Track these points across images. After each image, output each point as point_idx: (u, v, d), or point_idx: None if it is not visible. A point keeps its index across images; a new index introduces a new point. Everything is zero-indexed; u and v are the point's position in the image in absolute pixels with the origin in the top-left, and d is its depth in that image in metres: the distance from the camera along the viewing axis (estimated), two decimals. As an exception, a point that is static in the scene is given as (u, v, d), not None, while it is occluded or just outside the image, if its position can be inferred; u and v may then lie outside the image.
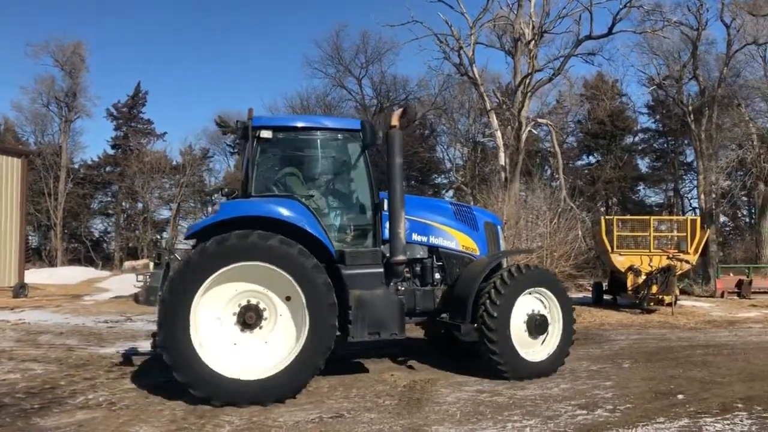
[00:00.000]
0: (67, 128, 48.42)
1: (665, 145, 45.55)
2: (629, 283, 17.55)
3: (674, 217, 25.07)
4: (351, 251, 7.81)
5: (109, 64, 71.11)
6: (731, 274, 23.85)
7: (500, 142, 29.57)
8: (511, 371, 8.01)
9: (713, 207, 31.53)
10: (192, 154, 49.30)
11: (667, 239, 20.25)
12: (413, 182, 43.24)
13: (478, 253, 9.06)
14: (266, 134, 7.79)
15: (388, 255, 7.84)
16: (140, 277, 27.53)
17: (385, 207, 7.98)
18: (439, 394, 7.23)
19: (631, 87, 43.63)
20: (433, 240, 8.77)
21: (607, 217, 21.92)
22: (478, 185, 26.73)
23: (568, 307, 8.55)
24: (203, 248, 6.85)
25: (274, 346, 7.07)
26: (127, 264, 39.46)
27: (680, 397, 7.17)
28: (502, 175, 28.98)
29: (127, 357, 9.42)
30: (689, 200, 44.36)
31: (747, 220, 46.26)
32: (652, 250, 18.20)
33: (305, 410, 6.57)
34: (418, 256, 8.54)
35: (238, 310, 7.06)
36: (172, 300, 6.75)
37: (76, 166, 50.96)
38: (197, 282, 6.79)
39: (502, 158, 29.40)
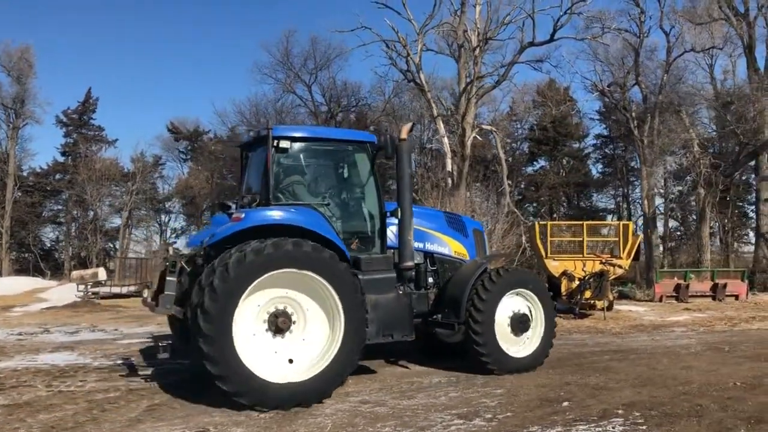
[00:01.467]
0: (15, 135, 47.16)
1: (614, 150, 46.22)
2: (563, 288, 17.59)
3: (607, 222, 25.34)
4: (366, 258, 8.24)
5: (59, 69, 69.65)
6: (676, 278, 24.06)
7: (447, 148, 29.64)
8: (497, 366, 8.65)
9: (655, 212, 31.98)
10: (144, 161, 48.46)
11: (601, 244, 20.40)
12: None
13: (467, 258, 9.64)
14: (285, 144, 8.04)
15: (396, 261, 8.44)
16: (81, 287, 26.97)
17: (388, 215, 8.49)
18: (320, 406, 7.04)
19: (578, 94, 44.55)
20: (429, 246, 9.29)
21: (541, 222, 22.04)
22: (429, 191, 26.63)
23: (549, 307, 9.27)
24: (241, 257, 6.93)
25: (309, 348, 7.34)
26: (75, 273, 38.58)
27: (565, 404, 7.11)
28: (449, 181, 29.05)
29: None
30: (639, 205, 45.03)
31: (696, 225, 47.08)
32: (585, 255, 18.29)
33: (172, 424, 6.33)
34: (415, 262, 8.80)
35: (268, 316, 7.23)
36: (217, 309, 6.78)
37: (25, 174, 49.72)
38: (240, 290, 6.92)
39: (449, 164, 29.47)
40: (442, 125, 29.73)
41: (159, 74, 77.33)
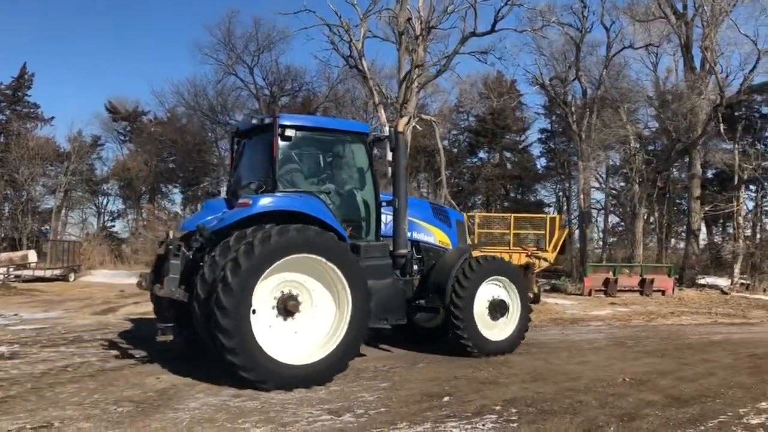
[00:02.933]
0: (-58, 112, 45.11)
1: (557, 145, 46.63)
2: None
3: (535, 215, 25.53)
4: (365, 245, 8.55)
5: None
6: (610, 273, 24.24)
7: (388, 137, 29.28)
8: (476, 349, 9.21)
9: (590, 206, 32.35)
10: (81, 140, 46.76)
11: (531, 236, 20.47)
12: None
13: (450, 246, 10.08)
14: (290, 132, 8.26)
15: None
16: (2, 270, 25.85)
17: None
18: (187, 399, 6.68)
19: (525, 88, 45.16)
20: (416, 235, 9.62)
21: (469, 213, 22.00)
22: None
23: (524, 294, 9.94)
24: (265, 238, 7.12)
25: (317, 331, 7.65)
26: (3, 255, 37.12)
27: (446, 399, 6.92)
28: (389, 170, 28.74)
29: None
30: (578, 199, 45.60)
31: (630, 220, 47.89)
32: (511, 248, 18.28)
33: (16, 418, 5.88)
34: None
35: (276, 301, 7.46)
36: (238, 288, 6.95)
37: (-46, 152, 47.56)
38: (260, 271, 7.14)
39: (389, 153, 29.12)
40: (383, 113, 29.38)
41: (98, 51, 74.61)
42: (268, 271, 7.18)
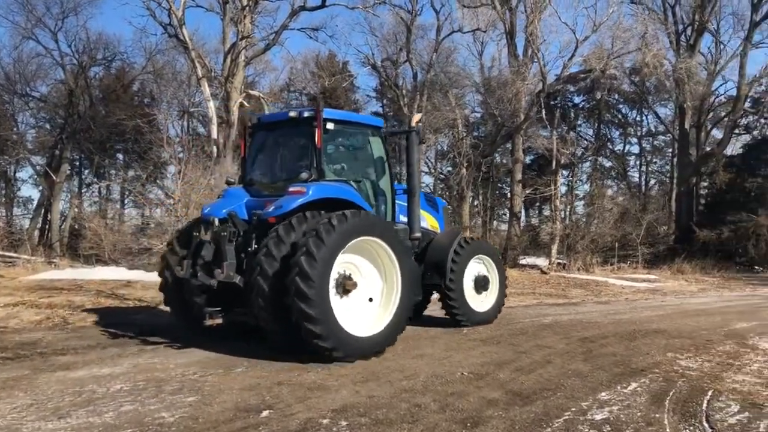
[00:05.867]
0: None
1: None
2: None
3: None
4: (396, 228, 9.31)
5: None
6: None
7: (213, 113, 27.38)
8: (466, 319, 10.72)
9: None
10: None
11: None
12: (131, 159, 39.08)
13: (438, 230, 11.13)
14: (330, 126, 8.82)
15: None
16: None
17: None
18: None
19: (357, 69, 44.82)
20: None
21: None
22: (194, 159, 24.28)
23: (502, 271, 11.46)
24: (338, 222, 7.77)
25: (374, 305, 8.52)
26: None
27: (266, 413, 5.79)
28: (215, 149, 26.90)
29: None
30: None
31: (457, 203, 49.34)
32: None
33: None
34: None
35: (335, 281, 8.01)
36: (318, 276, 7.53)
37: None
38: (339, 248, 7.81)
39: (215, 131, 27.28)
40: (207, 88, 27.34)
41: None
42: (343, 249, 7.89)
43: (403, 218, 10.01)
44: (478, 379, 7.23)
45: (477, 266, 10.98)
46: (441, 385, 6.92)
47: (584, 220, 34.20)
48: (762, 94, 35.93)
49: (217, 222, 8.55)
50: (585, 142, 46.34)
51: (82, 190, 42.18)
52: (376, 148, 9.64)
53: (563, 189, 38.28)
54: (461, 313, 10.57)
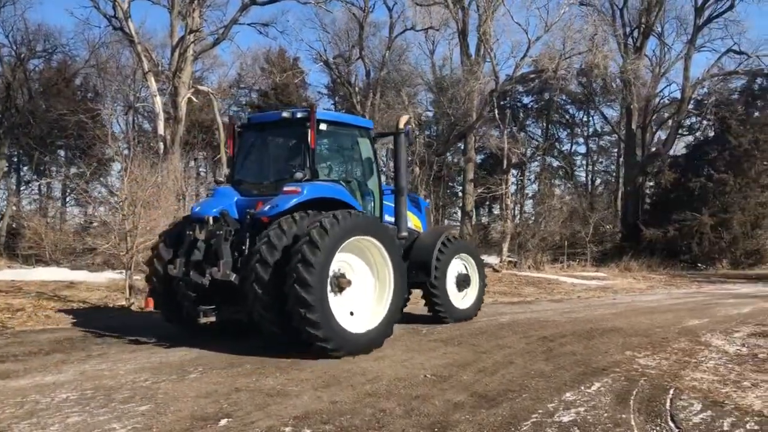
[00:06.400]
0: None
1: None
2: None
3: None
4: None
5: None
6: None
7: (160, 109, 26.59)
8: (448, 315, 11.09)
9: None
10: None
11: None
12: (73, 155, 37.63)
13: (421, 230, 11.35)
14: (323, 126, 8.99)
15: None
16: None
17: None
18: None
19: (308, 65, 44.26)
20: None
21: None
22: (140, 156, 23.43)
23: (482, 269, 11.92)
24: (331, 225, 7.86)
25: (367, 302, 8.70)
26: None
27: (224, 422, 5.50)
28: (161, 146, 26.12)
29: None
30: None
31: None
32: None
33: None
34: None
35: (329, 279, 8.05)
36: (319, 265, 7.70)
37: None
38: (333, 250, 7.95)
39: (161, 127, 26.50)
40: (154, 83, 26.52)
41: None
42: (338, 249, 8.07)
43: (389, 218, 10.20)
44: (442, 381, 7.07)
45: (458, 264, 11.37)
46: (405, 388, 6.74)
47: (534, 218, 34.59)
48: (705, 96, 36.95)
49: (211, 221, 8.60)
50: (534, 142, 46.99)
51: (21, 188, 40.55)
52: (365, 148, 9.80)
53: (513, 188, 38.63)
54: (444, 310, 10.96)
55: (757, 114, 35.54)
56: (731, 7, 33.55)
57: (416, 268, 10.47)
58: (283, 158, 9.64)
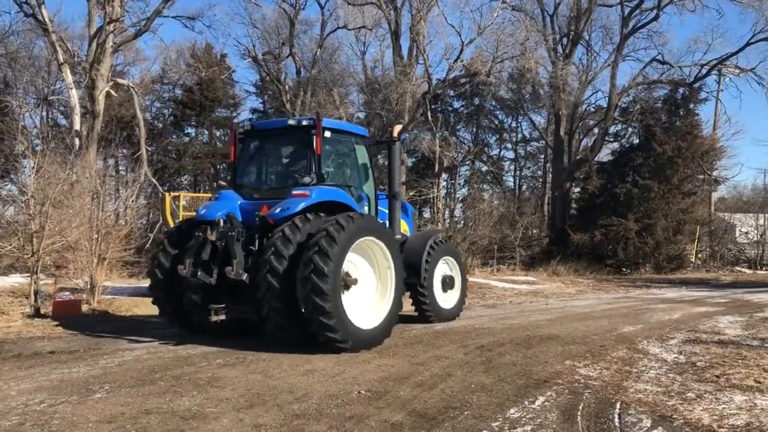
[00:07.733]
0: None
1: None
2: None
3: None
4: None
5: None
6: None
7: (76, 103, 25.07)
8: (434, 315, 11.71)
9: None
10: None
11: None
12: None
13: (408, 234, 11.84)
14: (328, 134, 9.54)
15: None
16: None
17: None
18: None
19: (234, 60, 42.95)
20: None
21: (173, 193, 19.53)
22: (53, 151, 21.89)
23: (464, 271, 12.66)
24: (347, 223, 8.41)
25: (371, 299, 9.32)
26: None
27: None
28: (77, 141, 24.61)
29: None
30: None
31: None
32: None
33: None
34: None
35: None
36: (335, 257, 8.17)
37: None
38: (347, 247, 8.49)
39: (77, 122, 24.99)
40: (69, 75, 25.00)
41: None
42: (351, 247, 8.54)
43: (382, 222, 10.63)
44: (378, 398, 6.49)
45: (444, 267, 12.01)
46: (337, 407, 6.12)
47: (464, 222, 34.54)
48: (630, 104, 37.82)
49: (222, 222, 8.89)
50: (464, 146, 47.17)
51: None
52: (361, 155, 10.45)
53: (444, 192, 38.54)
54: (431, 310, 11.61)
55: (679, 123, 36.57)
56: (656, 17, 34.39)
57: (407, 270, 10.58)
58: (290, 163, 10.09)
